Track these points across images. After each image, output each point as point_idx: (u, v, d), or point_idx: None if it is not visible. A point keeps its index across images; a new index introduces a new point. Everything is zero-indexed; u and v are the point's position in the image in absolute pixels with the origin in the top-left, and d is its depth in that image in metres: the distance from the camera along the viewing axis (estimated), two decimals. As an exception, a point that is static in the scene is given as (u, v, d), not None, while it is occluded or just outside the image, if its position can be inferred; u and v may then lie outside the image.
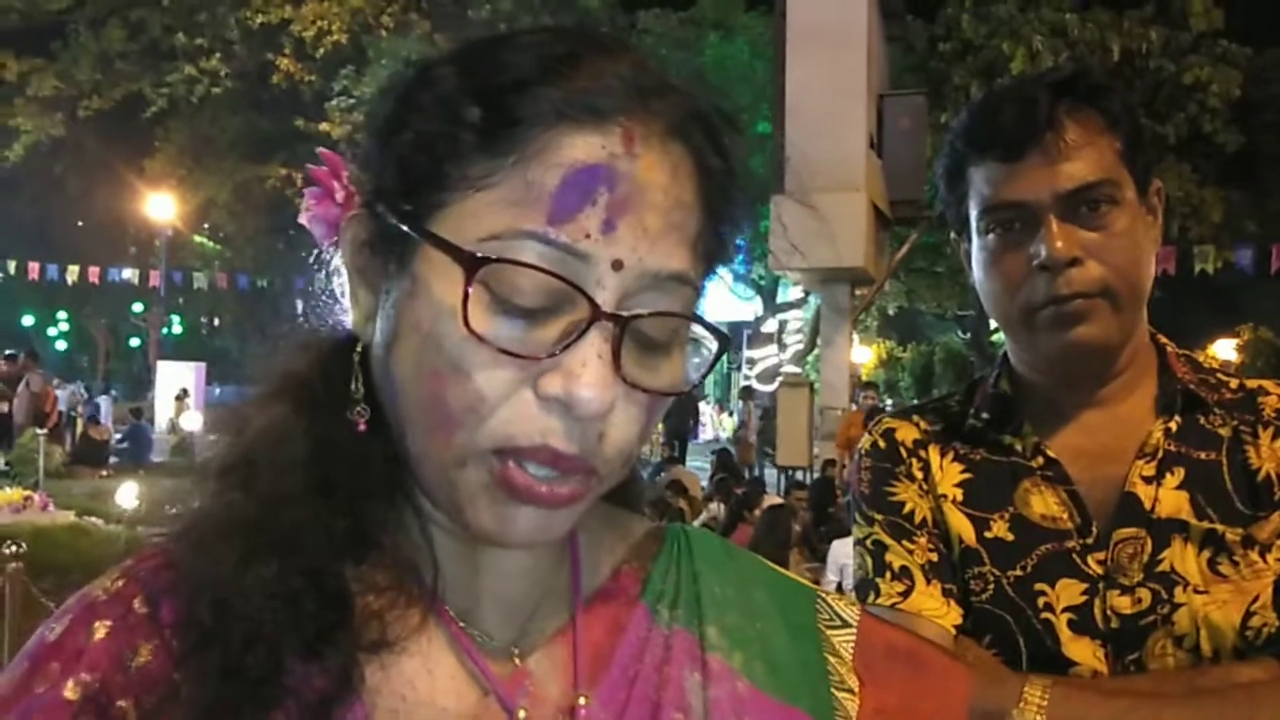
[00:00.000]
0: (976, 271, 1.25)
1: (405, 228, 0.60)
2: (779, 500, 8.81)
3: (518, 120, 0.57)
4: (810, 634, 0.73)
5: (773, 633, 0.72)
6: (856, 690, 0.71)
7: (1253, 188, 18.68)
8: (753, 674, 0.69)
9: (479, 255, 0.56)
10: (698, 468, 13.78)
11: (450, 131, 0.59)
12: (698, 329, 0.64)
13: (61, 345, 38.00)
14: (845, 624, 0.75)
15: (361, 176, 0.65)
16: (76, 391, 20.11)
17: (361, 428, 0.64)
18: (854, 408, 11.93)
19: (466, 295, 0.56)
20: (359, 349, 0.65)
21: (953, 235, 1.32)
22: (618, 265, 0.57)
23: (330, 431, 0.64)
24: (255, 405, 0.66)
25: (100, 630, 0.60)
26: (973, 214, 1.22)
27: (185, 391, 20.02)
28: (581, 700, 0.65)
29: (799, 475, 13.07)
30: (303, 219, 0.69)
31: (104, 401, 21.20)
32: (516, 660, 0.66)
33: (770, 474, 13.28)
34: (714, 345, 0.65)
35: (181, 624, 0.59)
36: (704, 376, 0.66)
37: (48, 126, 21.30)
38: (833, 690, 0.71)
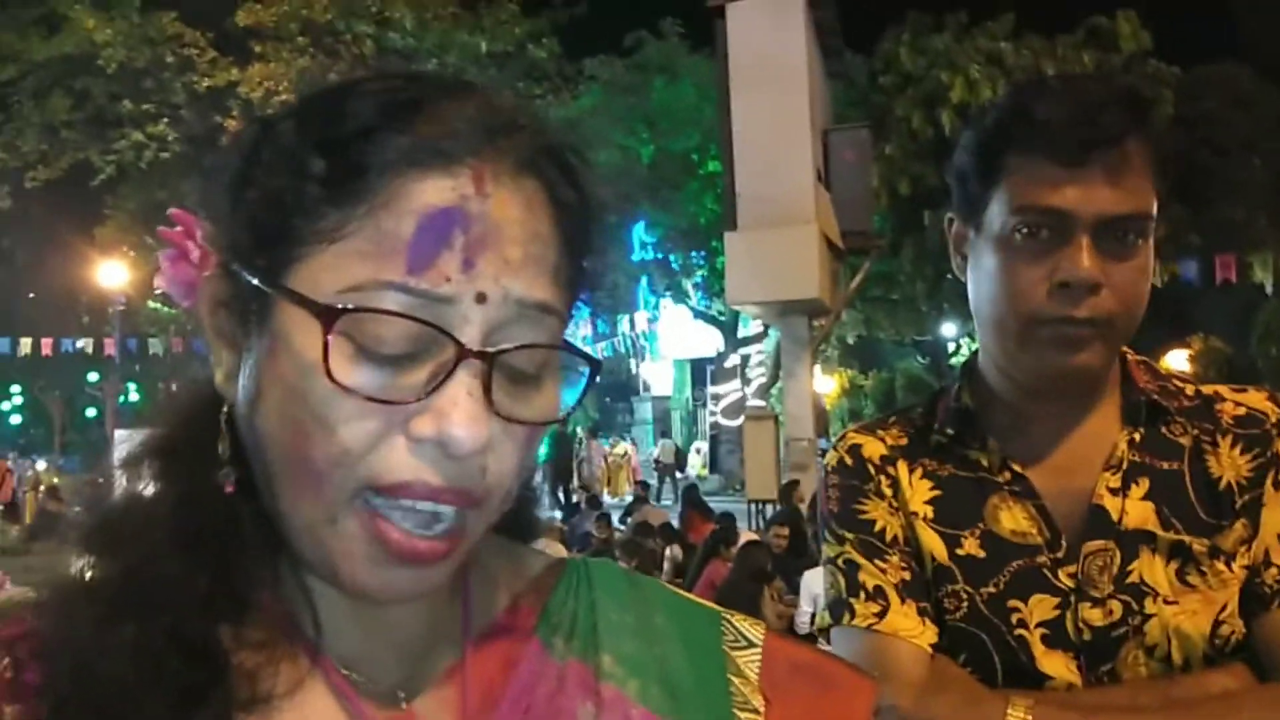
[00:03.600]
0: (984, 266, 1.18)
1: (260, 284, 0.59)
2: (754, 537, 8.80)
3: (363, 169, 0.57)
4: (713, 655, 0.73)
5: (672, 656, 0.71)
6: (762, 710, 0.71)
7: (1193, 201, 19.18)
8: (648, 700, 0.68)
9: (337, 306, 0.56)
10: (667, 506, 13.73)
11: (296, 185, 0.58)
12: (568, 357, 0.63)
13: (16, 419, 37.21)
14: (750, 644, 0.74)
15: (214, 235, 0.64)
16: (24, 467, 19.58)
17: (229, 489, 0.63)
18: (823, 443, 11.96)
19: (326, 346, 0.55)
20: (225, 410, 0.64)
21: (949, 216, 1.26)
22: (481, 298, 0.57)
23: (196, 490, 0.62)
24: (122, 467, 0.65)
25: None
26: (998, 206, 1.15)
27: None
28: None
29: (768, 509, 13.07)
30: (158, 283, 0.68)
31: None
32: (404, 704, 0.65)
33: (740, 507, 13.27)
34: (585, 370, 0.64)
35: (46, 689, 0.58)
36: (578, 402, 0.65)
37: (-6, 199, 21.06)
38: (734, 711, 0.70)
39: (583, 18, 20.77)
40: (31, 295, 28.48)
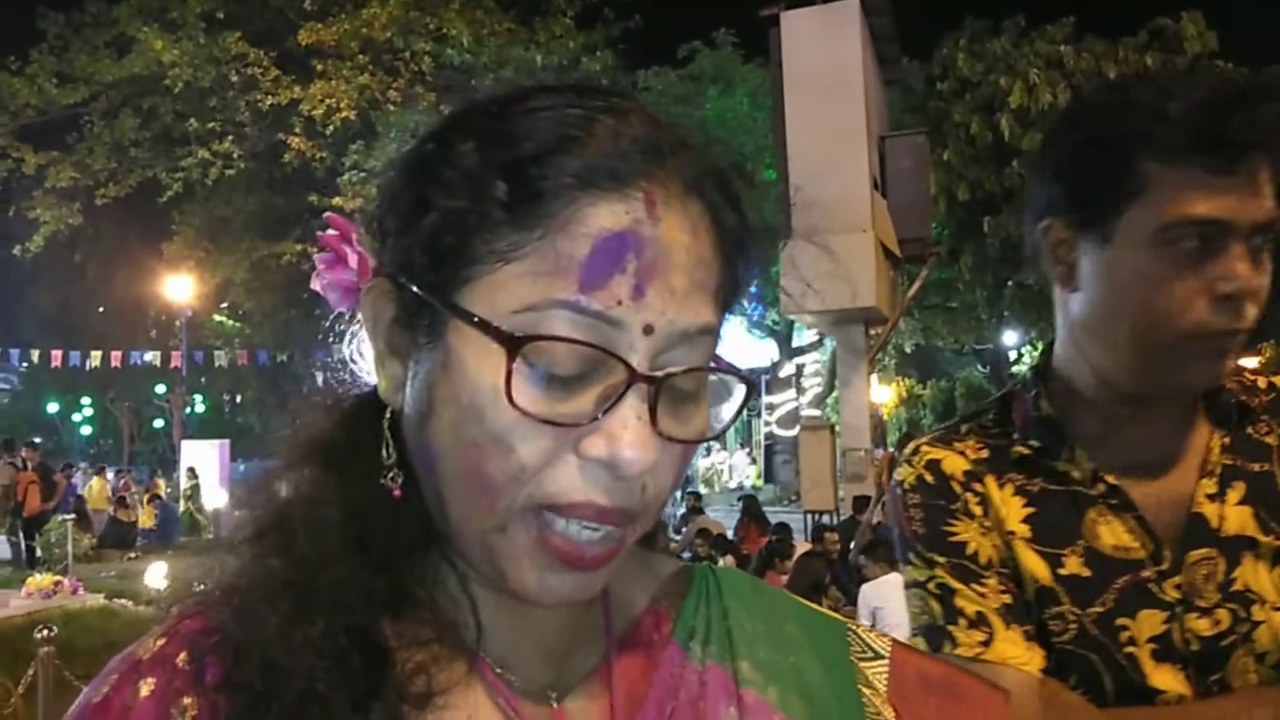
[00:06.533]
0: (1118, 278, 1.11)
1: (437, 303, 0.61)
2: (810, 547, 8.75)
3: (541, 193, 0.59)
4: (844, 666, 0.73)
5: (807, 666, 0.72)
6: None
7: (1262, 205, 18.64)
8: (789, 708, 0.68)
9: (518, 335, 0.57)
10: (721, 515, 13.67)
11: (478, 208, 0.60)
12: (724, 376, 0.66)
13: (86, 430, 38.31)
14: (877, 655, 0.75)
15: (381, 248, 0.67)
16: (88, 477, 19.94)
17: (397, 494, 0.65)
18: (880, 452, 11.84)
19: (510, 374, 0.57)
20: (388, 414, 0.67)
21: (1047, 222, 1.17)
22: (649, 330, 0.59)
23: (362, 492, 0.65)
24: (284, 470, 0.68)
25: (145, 688, 0.61)
26: (1141, 216, 1.07)
27: (193, 471, 19.72)
28: None
29: (825, 519, 12.96)
30: (315, 285, 0.71)
31: (79, 479, 20.33)
32: (554, 703, 0.67)
33: (796, 519, 13.17)
34: (739, 388, 0.67)
35: (230, 685, 0.60)
36: (733, 420, 0.68)
37: (66, 216, 21.59)
38: None
39: (637, 30, 20.86)
40: (101, 309, 29.35)
